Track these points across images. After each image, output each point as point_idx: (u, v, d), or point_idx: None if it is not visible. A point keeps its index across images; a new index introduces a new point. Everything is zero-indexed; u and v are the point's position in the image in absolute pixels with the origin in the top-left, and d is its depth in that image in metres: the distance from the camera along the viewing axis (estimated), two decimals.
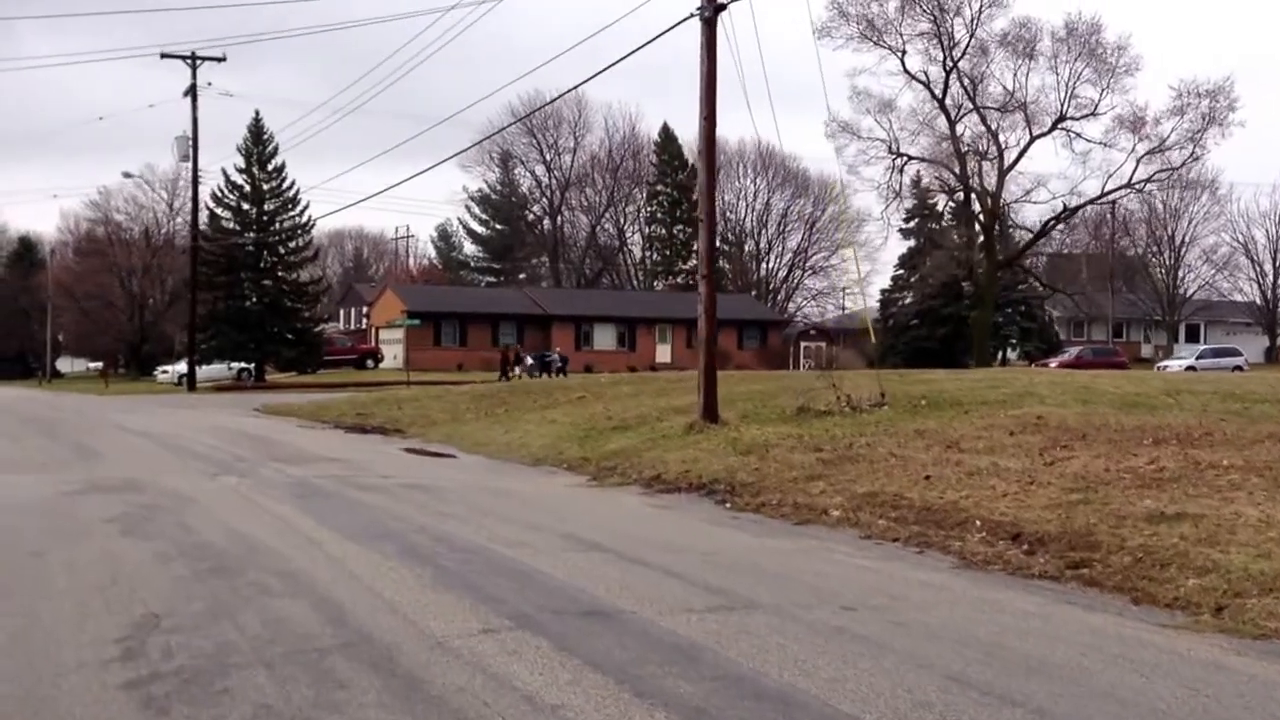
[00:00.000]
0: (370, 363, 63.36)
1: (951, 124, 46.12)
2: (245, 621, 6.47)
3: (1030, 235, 51.48)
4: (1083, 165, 46.17)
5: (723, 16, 16.14)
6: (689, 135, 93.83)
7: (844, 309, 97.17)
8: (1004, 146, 46.90)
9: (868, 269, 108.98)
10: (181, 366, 55.99)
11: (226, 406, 33.64)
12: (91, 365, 77.79)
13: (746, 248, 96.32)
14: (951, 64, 45.21)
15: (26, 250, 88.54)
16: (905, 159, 47.69)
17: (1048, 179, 55.57)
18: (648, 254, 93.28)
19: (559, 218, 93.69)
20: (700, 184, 16.55)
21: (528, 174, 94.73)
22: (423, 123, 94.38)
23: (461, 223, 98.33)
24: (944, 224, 65.49)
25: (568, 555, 8.56)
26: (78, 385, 62.22)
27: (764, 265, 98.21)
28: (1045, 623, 6.74)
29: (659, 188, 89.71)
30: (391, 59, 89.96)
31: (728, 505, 11.71)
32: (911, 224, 70.40)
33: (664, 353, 69.41)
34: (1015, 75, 45.90)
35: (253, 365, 52.50)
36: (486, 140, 79.89)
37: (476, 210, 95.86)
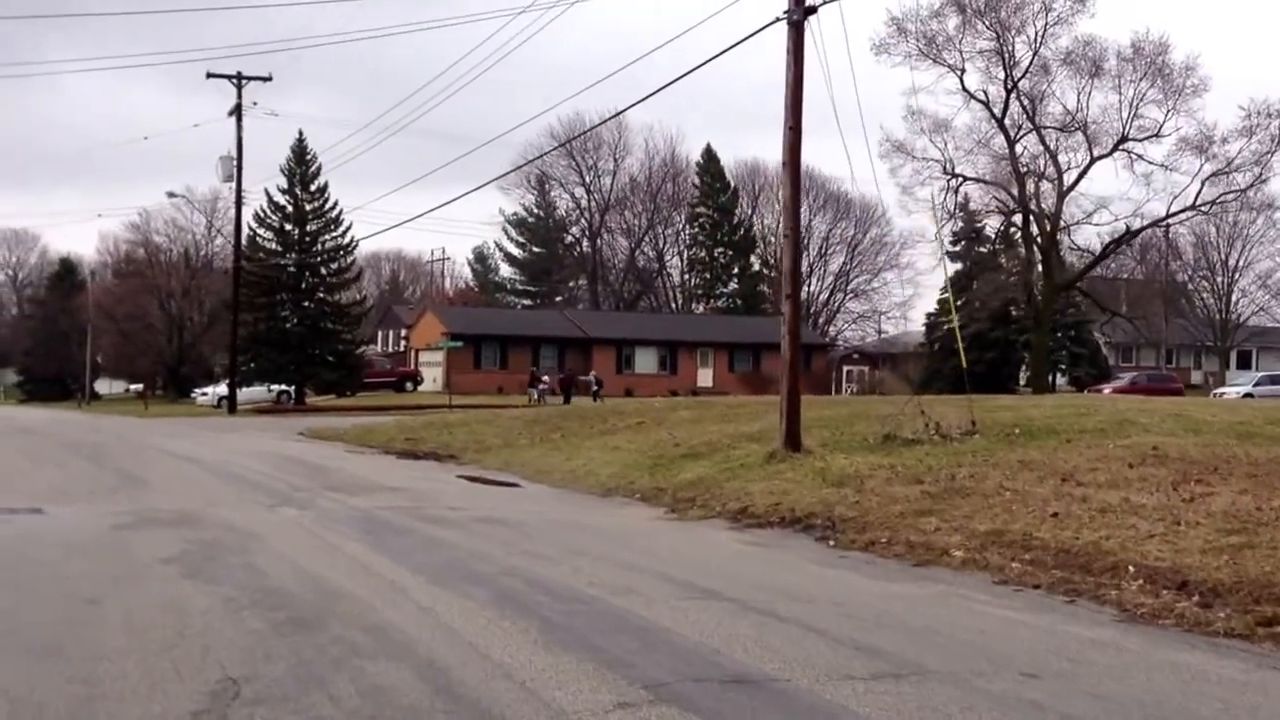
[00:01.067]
0: (410, 385, 62.76)
1: (1011, 144, 45.00)
2: (339, 690, 5.59)
3: (1086, 258, 50.13)
4: (1146, 187, 45.03)
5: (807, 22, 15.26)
6: (730, 157, 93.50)
7: (883, 332, 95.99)
8: (1063, 168, 45.71)
9: (910, 293, 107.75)
10: (221, 389, 55.65)
11: (269, 430, 33.00)
12: (132, 387, 77.75)
13: None
14: (1012, 83, 44.14)
15: (67, 272, 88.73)
16: (961, 179, 46.63)
17: (1110, 200, 54.20)
18: (688, 277, 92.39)
19: (598, 240, 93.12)
20: (784, 199, 15.67)
21: (566, 196, 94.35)
22: (457, 143, 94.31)
23: (498, 245, 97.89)
24: (994, 247, 64.18)
25: (684, 605, 7.64)
26: (117, 407, 61.96)
27: (805, 289, 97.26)
28: (1266, 695, 5.76)
29: (700, 210, 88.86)
30: (430, 83, 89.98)
31: (831, 543, 10.75)
32: (959, 247, 69.19)
33: (706, 376, 68.38)
34: (1079, 95, 44.81)
35: (292, 388, 51.99)
36: (526, 165, 79.68)
37: (513, 233, 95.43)
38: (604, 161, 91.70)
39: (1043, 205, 45.98)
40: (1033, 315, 48.47)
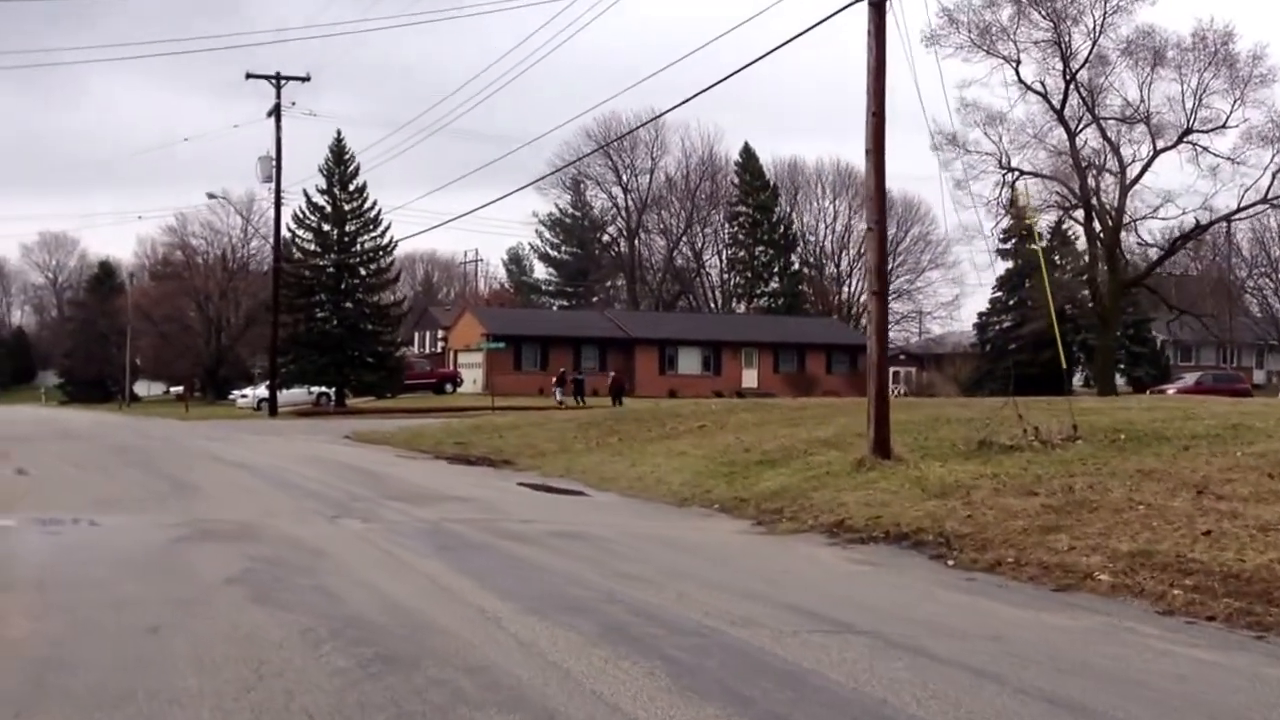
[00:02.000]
0: (449, 387, 62.13)
1: (1071, 136, 43.60)
2: None
3: (1149, 254, 48.67)
4: (1213, 179, 43.50)
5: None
6: (768, 156, 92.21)
7: (927, 333, 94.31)
8: (1125, 161, 44.29)
9: (955, 292, 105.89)
10: (260, 391, 55.26)
11: (313, 433, 32.35)
12: (172, 389, 77.77)
13: (827, 271, 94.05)
14: (1071, 75, 42.78)
15: (106, 275, 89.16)
16: (1017, 174, 45.29)
17: (1176, 195, 52.55)
18: (728, 276, 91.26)
19: (636, 240, 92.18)
20: (867, 188, 14.70)
21: (603, 195, 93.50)
22: (489, 142, 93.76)
23: (533, 246, 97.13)
24: (1046, 243, 62.66)
25: (819, 640, 6.70)
26: (157, 409, 61.73)
27: (845, 289, 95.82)
28: None
29: (740, 208, 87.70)
30: (465, 85, 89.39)
31: (950, 563, 9.77)
32: (1009, 244, 67.70)
33: (750, 377, 67.26)
34: (1140, 86, 43.37)
35: (332, 390, 51.45)
36: (566, 167, 78.95)
37: (548, 234, 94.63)
38: (641, 160, 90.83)
39: (1104, 200, 44.55)
40: (1097, 314, 46.96)
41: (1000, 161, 45.58)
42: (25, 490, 15.70)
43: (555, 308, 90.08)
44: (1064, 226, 58.86)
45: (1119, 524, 9.90)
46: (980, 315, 72.57)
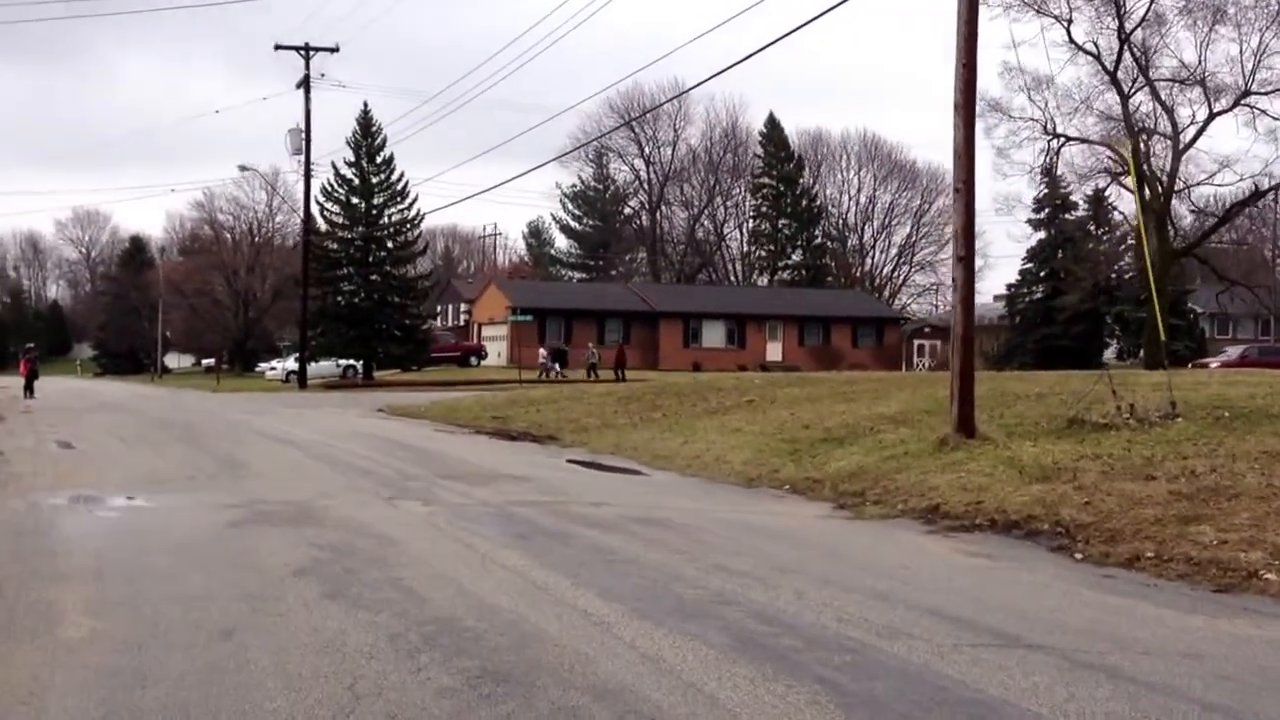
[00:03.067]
0: (474, 360, 61.42)
1: (1124, 99, 42.14)
2: None
3: (1197, 223, 47.28)
4: (1274, 143, 41.84)
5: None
6: (793, 126, 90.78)
7: (948, 305, 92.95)
8: (1179, 125, 42.85)
9: (979, 264, 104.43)
10: (289, 363, 54.69)
11: (347, 406, 31.64)
12: (205, 361, 77.71)
13: (850, 243, 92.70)
14: (1125, 34, 41.29)
15: (137, 250, 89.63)
16: (1063, 139, 43.93)
17: (1233, 160, 50.69)
18: (750, 249, 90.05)
19: (658, 213, 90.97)
20: (955, 145, 13.70)
21: (626, 167, 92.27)
22: (510, 112, 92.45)
23: (555, 218, 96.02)
24: (1089, 212, 61.38)
25: (990, 657, 5.84)
26: (189, 381, 61.37)
27: (868, 260, 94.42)
28: None
29: (763, 180, 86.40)
30: (491, 59, 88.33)
31: (1077, 556, 8.89)
32: (1042, 214, 66.34)
33: (774, 350, 66.28)
34: (1197, 46, 41.78)
35: (360, 362, 50.77)
36: (590, 142, 77.87)
37: (570, 206, 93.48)
38: (664, 132, 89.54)
39: (1153, 167, 43.17)
40: (1145, 284, 45.60)
41: (1045, 127, 44.18)
42: (73, 466, 15.16)
43: (575, 280, 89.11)
44: (1104, 196, 57.43)
45: (1270, 514, 8.99)
46: (1009, 288, 71.30)
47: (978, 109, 14.20)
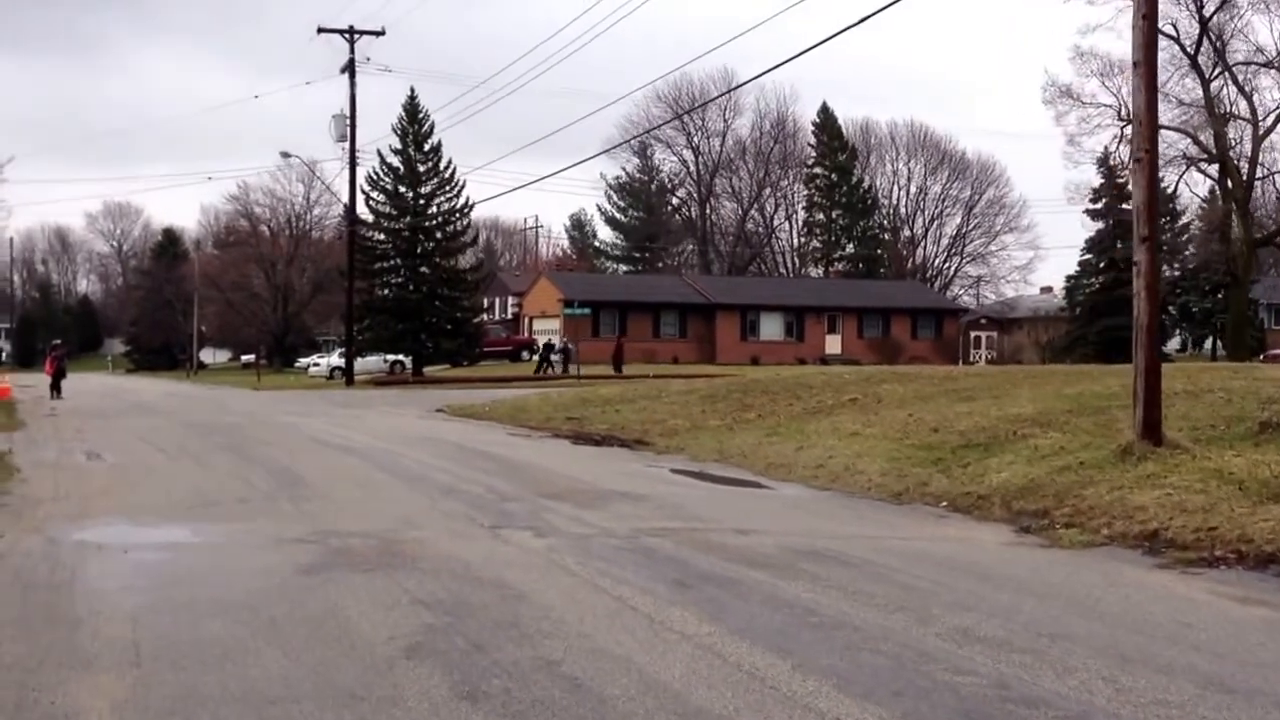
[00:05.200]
0: (526, 354, 59.63)
1: (1205, 84, 39.77)
2: None
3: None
4: None
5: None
6: (842, 116, 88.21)
7: (1001, 296, 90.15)
8: (1259, 111, 40.45)
9: (1030, 255, 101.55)
10: (333, 358, 53.19)
11: (401, 405, 29.87)
12: (244, 358, 76.37)
13: (902, 234, 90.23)
14: (1204, 17, 38.96)
15: (170, 243, 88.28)
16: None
17: None
18: (803, 240, 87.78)
19: (707, 204, 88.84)
20: (1136, 108, 11.65)
21: (674, 158, 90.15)
22: (555, 100, 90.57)
23: (600, 210, 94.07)
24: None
25: None
26: (226, 378, 59.88)
27: (920, 251, 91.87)
28: None
29: (816, 170, 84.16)
30: (534, 50, 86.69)
31: None
32: (1100, 204, 63.98)
33: (834, 343, 64.07)
34: (1272, 30, 39.44)
35: (408, 357, 49.10)
36: (642, 135, 75.95)
37: (615, 197, 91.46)
38: (713, 122, 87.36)
39: (1236, 153, 40.82)
40: (1230, 273, 43.18)
41: (1119, 114, 41.77)
42: (104, 485, 13.01)
43: (620, 272, 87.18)
44: (1167, 186, 54.89)
45: None
46: (1069, 279, 69.37)
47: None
